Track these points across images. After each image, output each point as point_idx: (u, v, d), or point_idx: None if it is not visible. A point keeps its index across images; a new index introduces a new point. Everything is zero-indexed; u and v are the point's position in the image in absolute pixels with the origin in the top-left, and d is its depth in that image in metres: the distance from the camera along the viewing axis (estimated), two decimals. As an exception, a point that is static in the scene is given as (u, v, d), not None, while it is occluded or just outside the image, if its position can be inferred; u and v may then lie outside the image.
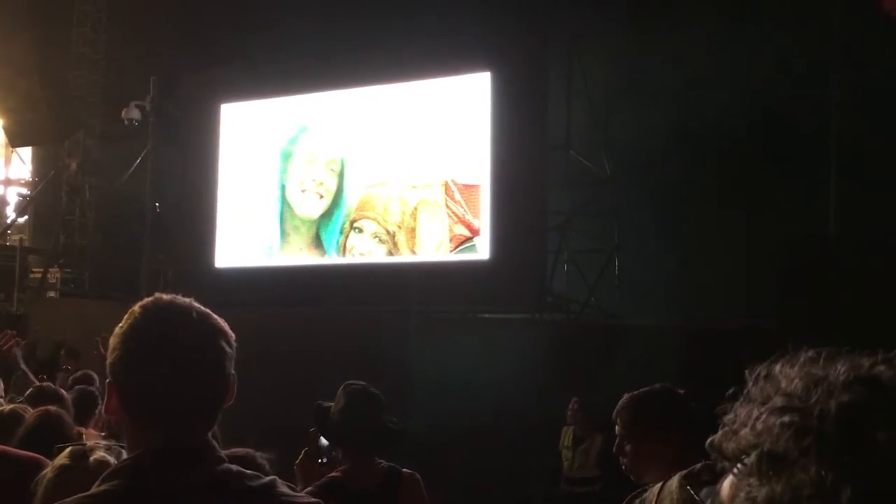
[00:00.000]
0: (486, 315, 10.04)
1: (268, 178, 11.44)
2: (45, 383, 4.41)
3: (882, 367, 0.77)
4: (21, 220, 15.11)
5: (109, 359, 1.48)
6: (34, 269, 13.40)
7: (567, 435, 7.83)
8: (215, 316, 1.53)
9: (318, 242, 11.04)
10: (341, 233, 10.85)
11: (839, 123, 8.83)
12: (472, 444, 8.06)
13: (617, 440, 2.88)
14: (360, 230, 10.73)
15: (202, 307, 1.53)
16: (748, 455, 0.76)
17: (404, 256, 10.43)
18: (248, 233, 11.53)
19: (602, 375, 7.79)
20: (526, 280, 9.65)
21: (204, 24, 12.07)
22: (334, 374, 3.40)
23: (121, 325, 1.50)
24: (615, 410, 2.88)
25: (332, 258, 10.92)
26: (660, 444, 2.69)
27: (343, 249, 10.82)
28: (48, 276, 13.27)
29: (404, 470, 3.10)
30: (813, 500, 0.70)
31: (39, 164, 15.61)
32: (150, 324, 1.48)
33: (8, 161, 16.40)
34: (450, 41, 10.34)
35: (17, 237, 14.55)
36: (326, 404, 3.13)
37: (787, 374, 0.79)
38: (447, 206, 10.22)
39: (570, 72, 10.26)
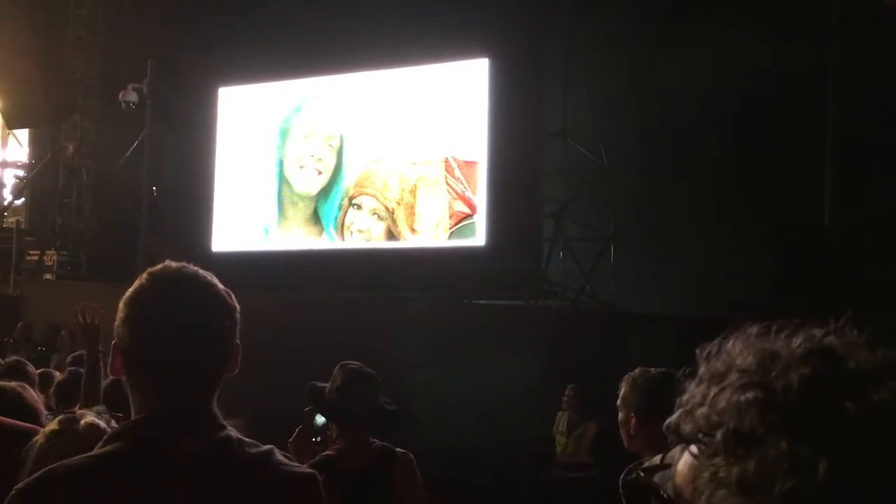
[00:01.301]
0: (482, 301, 10.07)
1: (265, 156, 11.42)
2: (14, 359, 4.39)
3: (832, 338, 0.77)
4: (18, 202, 15.10)
5: (116, 321, 1.51)
6: (31, 252, 13.40)
7: (561, 420, 7.88)
8: (220, 285, 1.56)
9: (315, 219, 11.02)
10: (340, 209, 10.83)
11: (834, 114, 8.85)
12: (466, 427, 8.11)
13: (622, 414, 2.89)
14: (359, 206, 10.71)
15: (208, 276, 1.56)
16: (708, 434, 0.75)
17: (401, 242, 10.44)
18: (245, 211, 11.52)
19: (596, 362, 7.84)
20: (521, 267, 9.68)
21: (201, 7, 12.03)
22: (329, 358, 3.43)
23: (130, 290, 1.53)
24: (620, 398, 2.88)
25: (331, 241, 10.89)
26: (657, 432, 2.70)
27: (341, 226, 10.80)
28: (45, 258, 13.27)
29: (398, 450, 3.13)
30: (789, 476, 0.69)
31: (36, 146, 15.59)
32: (155, 289, 1.52)
33: (4, 143, 16.37)
34: (448, 27, 10.32)
35: (13, 219, 14.54)
36: (321, 384, 3.16)
37: (739, 350, 0.78)
38: (447, 183, 10.21)
39: (568, 60, 10.26)
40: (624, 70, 10.21)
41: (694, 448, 0.77)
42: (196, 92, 12.06)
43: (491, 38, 10.08)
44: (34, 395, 3.06)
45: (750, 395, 0.73)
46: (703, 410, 0.76)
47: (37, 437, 2.02)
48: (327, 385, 3.15)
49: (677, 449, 0.84)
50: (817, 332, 0.78)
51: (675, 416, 0.79)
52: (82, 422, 1.97)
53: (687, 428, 0.77)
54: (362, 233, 10.67)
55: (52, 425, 2.02)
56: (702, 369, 0.80)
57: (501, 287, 9.72)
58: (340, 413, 3.08)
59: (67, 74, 13.83)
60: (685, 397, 0.79)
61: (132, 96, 12.41)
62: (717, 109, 9.37)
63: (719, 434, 0.73)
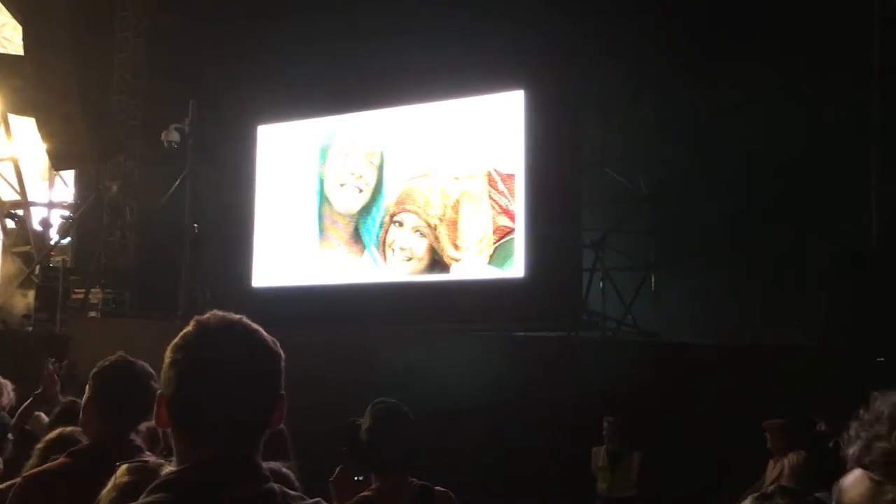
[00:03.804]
0: (522, 333, 10.00)
1: (305, 178, 11.44)
2: (69, 400, 4.43)
3: None
4: (64, 241, 15.39)
5: (162, 369, 1.53)
6: (76, 290, 13.62)
7: (600, 455, 7.71)
8: (264, 333, 1.56)
9: (357, 238, 10.98)
10: (381, 227, 10.77)
11: (879, 139, 8.72)
12: (506, 464, 8.02)
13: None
14: (401, 224, 10.64)
15: (252, 324, 1.56)
16: (891, 462, 0.90)
17: (440, 275, 10.40)
18: (286, 242, 11.54)
19: (638, 393, 7.74)
20: (561, 297, 9.61)
21: (241, 48, 12.26)
22: (369, 392, 3.41)
23: (176, 339, 1.54)
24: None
25: (373, 261, 10.81)
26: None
27: (383, 244, 10.75)
28: (90, 296, 13.48)
29: (437, 488, 3.08)
30: None
31: (81, 186, 15.92)
32: (200, 338, 1.52)
33: (51, 184, 16.75)
34: (484, 60, 10.36)
35: (59, 258, 14.82)
36: (359, 421, 3.12)
37: None
38: (490, 197, 10.10)
39: (605, 89, 10.26)
40: (662, 98, 10.18)
41: (875, 474, 0.92)
42: (236, 131, 12.25)
43: (527, 70, 10.10)
44: None
45: None
46: (882, 445, 0.91)
47: (106, 489, 1.96)
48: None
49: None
50: None
51: (857, 448, 0.95)
52: (163, 472, 1.90)
53: (867, 457, 0.92)
54: (404, 250, 10.60)
55: (122, 477, 1.94)
56: (879, 411, 0.96)
57: (541, 318, 9.65)
58: (372, 454, 3.04)
59: (111, 116, 14.13)
60: (863, 433, 0.95)
61: (174, 136, 12.64)
62: (759, 135, 9.28)
63: None
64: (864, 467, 0.92)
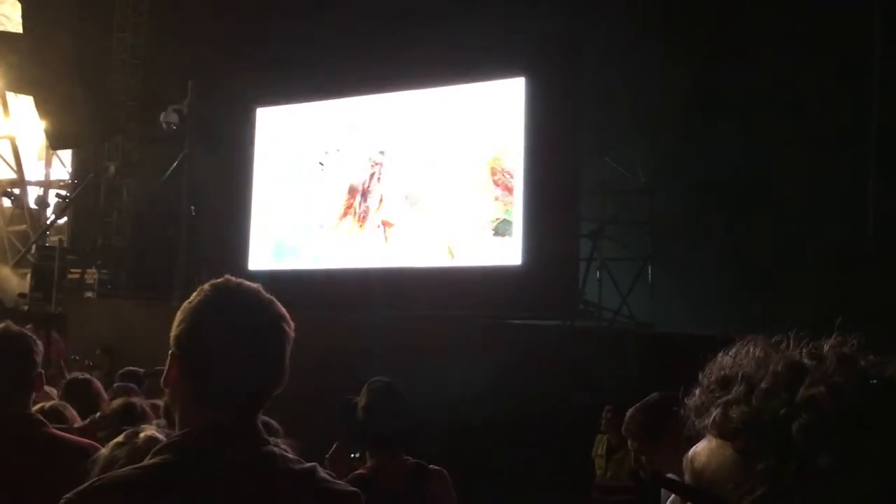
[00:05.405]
0: (517, 321, 10.01)
1: (305, 157, 11.42)
2: (77, 375, 4.44)
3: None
4: (60, 221, 15.37)
5: (175, 331, 1.53)
6: (72, 270, 13.61)
7: (601, 443, 7.75)
8: (279, 303, 1.58)
9: (357, 216, 11.00)
10: (382, 205, 10.82)
11: (878, 135, 8.72)
12: (502, 450, 8.04)
13: (633, 455, 2.94)
14: (402, 202, 10.71)
15: (268, 294, 1.57)
16: (760, 427, 0.85)
17: (436, 261, 10.40)
18: (284, 218, 11.53)
19: (633, 384, 7.74)
20: (558, 287, 9.61)
21: (240, 30, 12.22)
22: (364, 376, 3.42)
23: (190, 300, 1.55)
24: (624, 426, 2.96)
25: (374, 238, 10.87)
26: (672, 451, 2.67)
27: (383, 223, 10.79)
28: (86, 276, 13.47)
29: (432, 466, 3.09)
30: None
31: (79, 166, 15.90)
32: (220, 302, 1.53)
33: (48, 163, 16.74)
34: (485, 46, 10.34)
35: (56, 238, 14.80)
36: (355, 399, 3.14)
37: (763, 356, 0.95)
38: (492, 178, 10.12)
39: (605, 78, 10.23)
40: (663, 89, 10.16)
41: (736, 444, 0.86)
42: (234, 113, 12.21)
43: (528, 57, 10.07)
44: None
45: (822, 388, 0.86)
46: (741, 409, 0.87)
47: (101, 451, 2.05)
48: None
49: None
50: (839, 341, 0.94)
51: (716, 415, 0.90)
52: (141, 434, 2.00)
53: (731, 425, 0.87)
54: (405, 230, 10.63)
55: (119, 438, 2.05)
56: (722, 374, 0.94)
57: (538, 307, 9.66)
58: (367, 434, 3.05)
59: (110, 96, 14.09)
60: (718, 399, 0.91)
61: (173, 117, 12.61)
62: (759, 129, 9.26)
63: (796, 424, 0.84)
64: (723, 437, 0.87)
